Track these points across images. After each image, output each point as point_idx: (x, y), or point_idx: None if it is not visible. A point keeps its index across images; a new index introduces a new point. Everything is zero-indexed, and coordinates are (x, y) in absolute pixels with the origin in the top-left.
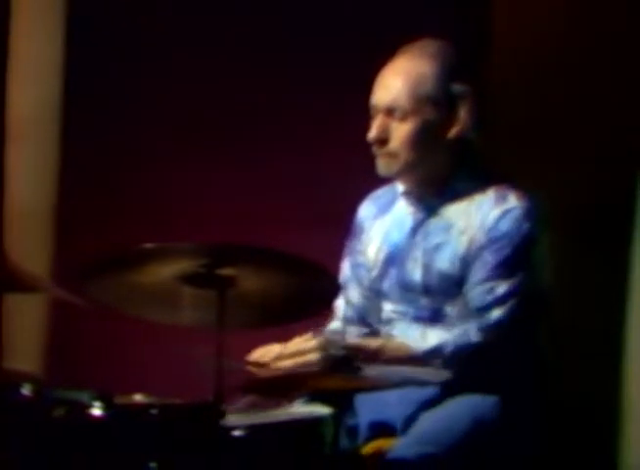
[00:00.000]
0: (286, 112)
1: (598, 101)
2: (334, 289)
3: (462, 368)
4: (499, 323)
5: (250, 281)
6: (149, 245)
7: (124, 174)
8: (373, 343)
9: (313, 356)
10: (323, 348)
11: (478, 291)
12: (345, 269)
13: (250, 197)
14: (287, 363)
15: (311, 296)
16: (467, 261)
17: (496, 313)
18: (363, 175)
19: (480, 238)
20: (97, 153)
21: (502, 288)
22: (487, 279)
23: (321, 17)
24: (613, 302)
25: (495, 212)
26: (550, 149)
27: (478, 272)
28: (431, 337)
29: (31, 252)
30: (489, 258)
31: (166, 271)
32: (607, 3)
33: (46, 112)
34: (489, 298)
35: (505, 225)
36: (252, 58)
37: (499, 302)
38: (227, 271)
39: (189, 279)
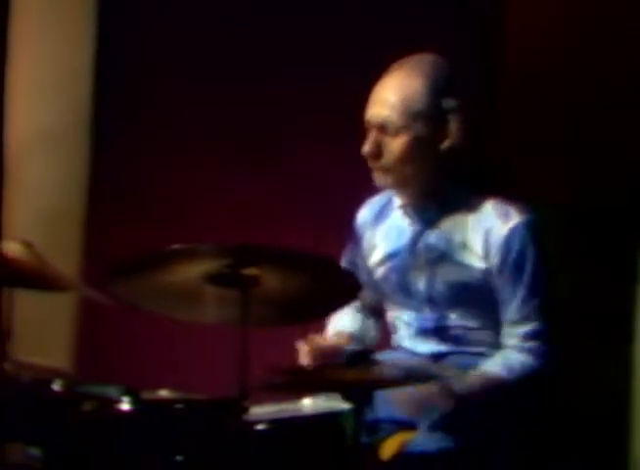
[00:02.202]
0: (302, 116)
1: (604, 104)
2: (354, 287)
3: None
4: (546, 349)
5: (272, 280)
6: (175, 246)
7: (151, 178)
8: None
9: None
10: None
11: (516, 319)
12: None
13: (269, 198)
14: None
15: (332, 294)
16: (480, 280)
17: (541, 341)
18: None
19: (494, 257)
20: (125, 157)
21: (537, 315)
22: (523, 308)
23: (330, 16)
24: (620, 298)
25: (502, 231)
26: (556, 154)
27: (511, 304)
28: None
29: (62, 253)
30: (514, 282)
31: (192, 271)
32: (620, 6)
33: (76, 116)
34: (529, 328)
35: (516, 244)
36: (267, 65)
37: (539, 335)
38: (250, 271)
39: (213, 279)
